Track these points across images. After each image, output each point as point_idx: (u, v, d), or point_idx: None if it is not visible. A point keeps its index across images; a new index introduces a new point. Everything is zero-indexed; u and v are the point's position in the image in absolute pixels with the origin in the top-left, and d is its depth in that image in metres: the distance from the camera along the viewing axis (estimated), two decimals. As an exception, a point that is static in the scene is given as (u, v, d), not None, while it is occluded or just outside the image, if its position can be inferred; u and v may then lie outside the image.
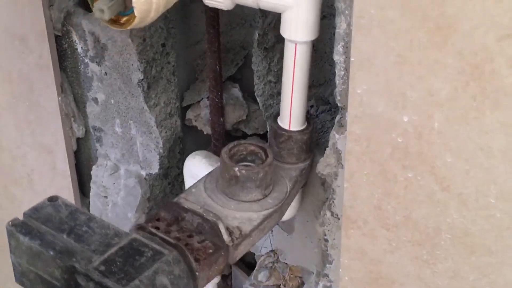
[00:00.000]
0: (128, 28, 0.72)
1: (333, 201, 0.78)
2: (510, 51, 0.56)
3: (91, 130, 1.00)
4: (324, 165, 0.77)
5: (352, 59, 0.66)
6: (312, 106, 0.88)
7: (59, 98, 0.96)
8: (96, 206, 1.04)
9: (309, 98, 0.90)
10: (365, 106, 0.67)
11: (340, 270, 0.78)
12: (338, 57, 0.70)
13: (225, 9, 0.75)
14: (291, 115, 0.79)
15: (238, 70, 0.96)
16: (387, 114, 0.65)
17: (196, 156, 0.91)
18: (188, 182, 0.91)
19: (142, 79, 0.88)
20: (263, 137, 0.97)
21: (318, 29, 0.74)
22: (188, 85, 0.97)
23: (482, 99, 0.59)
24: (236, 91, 0.95)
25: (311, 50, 0.76)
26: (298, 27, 0.73)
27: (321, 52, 0.87)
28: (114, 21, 0.72)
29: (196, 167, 0.89)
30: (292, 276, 0.94)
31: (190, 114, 0.96)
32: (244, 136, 0.99)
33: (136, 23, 0.70)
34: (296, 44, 0.74)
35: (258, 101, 0.89)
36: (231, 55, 0.95)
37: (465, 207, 0.64)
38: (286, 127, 0.80)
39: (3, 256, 1.22)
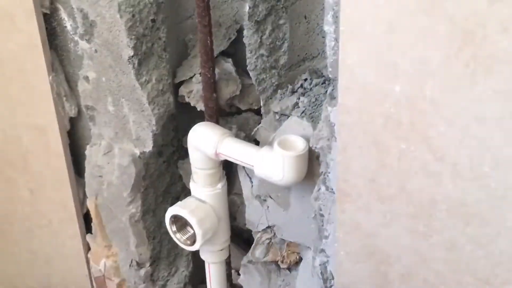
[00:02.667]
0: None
1: (327, 175, 0.77)
2: (502, 15, 0.54)
3: (84, 109, 0.98)
4: (317, 139, 0.76)
5: (341, 28, 0.64)
6: (306, 80, 0.87)
7: (50, 77, 0.94)
8: (91, 186, 1.03)
9: (303, 71, 0.89)
10: (356, 77, 0.65)
11: (336, 244, 0.77)
12: (328, 27, 0.69)
13: None
14: None
15: (231, 45, 0.94)
16: (378, 84, 0.64)
17: (196, 129, 0.89)
18: (193, 154, 0.89)
19: (132, 56, 0.87)
20: (258, 112, 0.95)
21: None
22: (180, 61, 0.95)
23: (475, 66, 0.58)
24: (229, 66, 0.93)
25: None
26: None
27: (314, 24, 0.86)
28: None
29: (197, 139, 0.88)
30: (289, 252, 0.93)
31: (182, 91, 0.94)
32: (239, 111, 0.97)
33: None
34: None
35: (251, 75, 0.87)
36: (223, 29, 0.93)
37: (459, 177, 0.63)
38: None
39: (3, 238, 1.21)
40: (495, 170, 0.61)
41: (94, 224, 1.07)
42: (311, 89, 0.87)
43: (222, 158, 0.87)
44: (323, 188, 0.78)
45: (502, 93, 0.57)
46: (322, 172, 0.78)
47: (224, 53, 0.95)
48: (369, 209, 0.71)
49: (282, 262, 0.95)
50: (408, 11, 0.59)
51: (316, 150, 0.77)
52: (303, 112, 0.84)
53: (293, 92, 0.86)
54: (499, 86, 0.57)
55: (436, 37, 0.58)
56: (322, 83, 0.87)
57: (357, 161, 0.70)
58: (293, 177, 0.80)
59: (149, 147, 0.94)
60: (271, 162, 0.79)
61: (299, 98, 0.85)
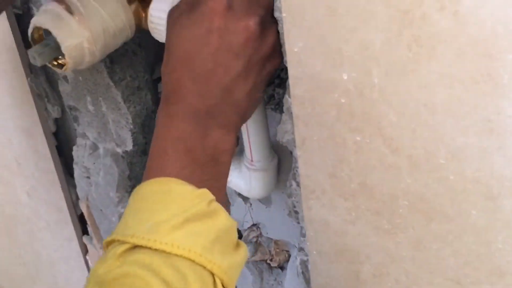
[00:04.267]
0: (67, 70, 0.72)
1: (296, 170, 0.72)
2: (439, -9, 0.49)
3: (67, 110, 0.97)
4: (282, 132, 0.71)
5: (283, 14, 0.60)
6: (282, 70, 0.83)
7: (28, 79, 0.93)
8: (81, 188, 1.02)
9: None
10: (303, 66, 0.61)
11: (308, 243, 0.73)
12: (278, 14, 0.64)
13: None
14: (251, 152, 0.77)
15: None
16: (326, 72, 0.59)
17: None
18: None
19: (103, 54, 0.84)
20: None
21: None
22: (159, 57, 0.92)
23: (417, 49, 0.52)
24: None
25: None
26: None
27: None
28: (55, 64, 0.72)
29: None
30: (278, 250, 0.90)
31: (161, 87, 0.91)
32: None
33: (71, 67, 0.71)
34: None
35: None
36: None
37: (416, 170, 0.58)
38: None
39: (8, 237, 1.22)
40: (451, 161, 0.55)
41: (89, 226, 1.06)
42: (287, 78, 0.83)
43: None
44: (294, 184, 0.74)
45: (448, 77, 0.52)
46: (292, 167, 0.73)
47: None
48: (334, 206, 0.67)
49: (271, 260, 0.91)
50: (345, -8, 0.54)
51: (284, 144, 0.72)
52: (277, 104, 0.80)
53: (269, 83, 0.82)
54: (444, 69, 0.52)
55: (376, 19, 0.53)
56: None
57: (317, 155, 0.65)
58: (259, 192, 0.78)
59: (129, 146, 0.91)
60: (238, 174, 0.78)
61: (274, 90, 0.81)
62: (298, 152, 0.67)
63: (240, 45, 0.61)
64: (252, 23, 0.61)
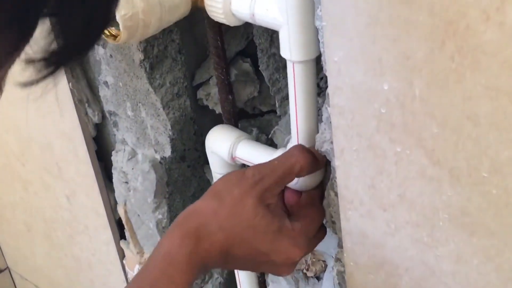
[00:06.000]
0: (120, 42, 0.71)
1: (335, 180, 0.72)
2: (485, 2, 0.48)
3: (107, 115, 0.97)
4: (321, 142, 0.71)
5: (323, 23, 0.59)
6: (322, 78, 0.82)
7: (70, 84, 0.94)
8: (120, 193, 1.02)
9: (317, 71, 0.84)
10: (344, 75, 0.60)
11: (345, 254, 0.72)
12: (318, 23, 0.64)
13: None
14: (298, 139, 0.74)
15: (250, 44, 0.91)
16: (366, 82, 0.59)
17: (212, 132, 0.86)
18: (211, 158, 0.86)
19: (144, 59, 0.85)
20: (280, 113, 0.91)
21: (316, 47, 0.68)
22: (199, 63, 0.92)
23: (460, 59, 0.51)
24: (247, 66, 0.89)
25: (313, 68, 0.70)
26: (292, 46, 0.68)
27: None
28: (108, 34, 0.72)
29: (214, 143, 0.85)
30: (314, 260, 0.89)
31: (200, 93, 0.91)
32: (261, 113, 0.93)
33: (124, 38, 0.71)
34: (293, 64, 0.69)
35: (263, 75, 0.83)
36: (241, 28, 0.89)
37: (458, 183, 0.57)
38: None
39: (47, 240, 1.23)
40: (494, 175, 0.54)
41: (126, 230, 1.06)
42: (327, 87, 0.82)
43: (239, 162, 0.83)
44: (332, 194, 0.73)
45: (492, 89, 0.50)
46: (331, 177, 0.73)
47: (243, 53, 0.91)
48: (373, 217, 0.66)
49: (307, 270, 0.90)
50: (388, 2, 0.53)
51: (323, 154, 0.72)
52: (318, 112, 0.79)
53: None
54: (488, 81, 0.50)
55: (418, 29, 0.52)
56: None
57: (356, 166, 0.64)
58: (306, 182, 0.75)
59: (168, 152, 0.92)
60: None
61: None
62: (336, 162, 0.66)
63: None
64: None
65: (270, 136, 0.86)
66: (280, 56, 0.82)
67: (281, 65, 0.82)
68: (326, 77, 0.82)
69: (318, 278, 0.91)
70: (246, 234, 0.63)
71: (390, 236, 0.66)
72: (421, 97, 0.55)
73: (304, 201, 0.73)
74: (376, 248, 0.68)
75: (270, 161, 0.71)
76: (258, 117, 0.94)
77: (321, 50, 0.64)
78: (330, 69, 0.61)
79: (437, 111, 0.55)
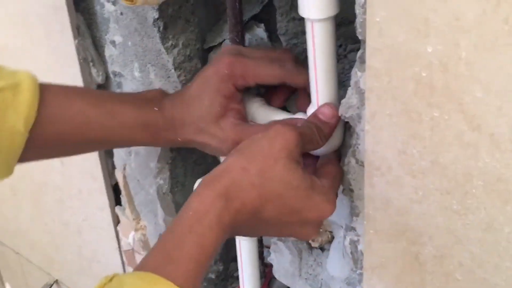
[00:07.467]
0: (137, 4, 0.70)
1: (357, 147, 0.71)
2: (548, -39, 0.47)
3: (111, 76, 0.95)
4: (346, 107, 0.70)
5: (367, -19, 0.58)
6: (340, 46, 0.81)
7: (76, 42, 0.91)
8: (119, 156, 1.00)
9: (337, 37, 0.83)
10: (384, 36, 0.59)
11: (365, 222, 0.71)
12: (358, -18, 0.63)
13: None
14: (318, 103, 0.73)
15: (265, 9, 0.89)
16: (408, 44, 0.58)
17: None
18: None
19: (158, 18, 0.82)
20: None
21: (336, 4, 0.66)
22: (210, 26, 0.90)
23: (515, 21, 0.51)
24: (261, 32, 0.88)
25: (333, 27, 0.68)
26: (310, 3, 0.66)
27: (350, -15, 0.79)
28: None
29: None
30: (321, 230, 0.88)
31: (212, 57, 0.89)
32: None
33: (141, 1, 0.70)
34: (312, 23, 0.68)
35: (281, 40, 0.82)
36: (256, -8, 0.88)
37: (498, 149, 0.56)
38: None
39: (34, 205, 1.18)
40: (538, 141, 0.54)
41: (123, 196, 1.04)
42: (345, 55, 0.81)
43: (252, 127, 0.82)
44: (353, 161, 0.72)
45: (546, 53, 0.50)
46: (352, 143, 0.72)
47: (257, 18, 0.90)
48: (400, 183, 0.65)
49: (313, 241, 0.89)
50: (441, -40, 0.52)
51: (346, 120, 0.71)
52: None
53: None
54: (543, 44, 0.50)
55: (472, -12, 0.51)
56: (357, 50, 0.81)
57: (387, 130, 0.63)
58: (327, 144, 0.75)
59: (175, 115, 0.89)
60: None
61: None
62: (366, 127, 0.65)
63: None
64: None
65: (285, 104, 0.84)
66: (300, 21, 0.81)
67: (300, 29, 0.80)
68: (345, 44, 0.81)
69: (322, 249, 0.91)
70: (279, 190, 0.61)
71: (417, 203, 0.65)
72: (467, 60, 0.55)
73: (323, 161, 0.72)
74: (400, 216, 0.67)
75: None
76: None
77: (358, 11, 0.63)
78: (370, 30, 0.60)
79: (483, 75, 0.54)
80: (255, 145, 0.63)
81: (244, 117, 0.76)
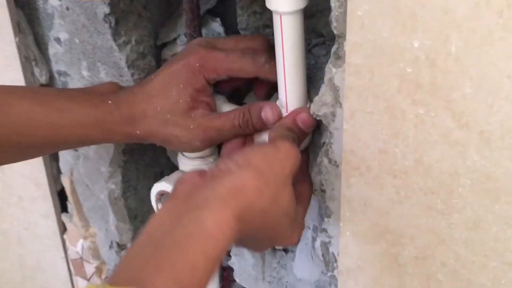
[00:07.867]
0: None
1: (330, 146, 0.68)
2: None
3: (56, 75, 0.89)
4: (319, 105, 0.67)
5: (350, -26, 0.55)
6: (322, 43, 0.78)
7: (17, 39, 0.85)
8: (65, 161, 0.94)
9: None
10: (367, 31, 0.56)
11: (341, 224, 0.68)
12: (337, -26, 0.60)
13: None
14: (287, 98, 0.69)
15: (220, 3, 0.85)
16: (393, 39, 0.55)
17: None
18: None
19: (109, 14, 0.77)
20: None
21: None
22: (163, 21, 0.86)
23: (509, 14, 0.49)
24: (217, 26, 0.84)
25: (302, 20, 0.65)
26: None
27: (312, -24, 0.76)
28: None
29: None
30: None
31: (166, 54, 0.85)
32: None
33: None
34: (281, 16, 0.64)
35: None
36: (210, -15, 0.84)
37: (487, 146, 0.54)
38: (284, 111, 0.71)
39: None
40: (531, 138, 0.52)
41: (70, 203, 0.98)
42: (309, 50, 0.78)
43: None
44: (325, 161, 0.69)
45: (543, 47, 0.48)
46: (324, 142, 0.69)
47: (211, 12, 0.85)
48: (380, 184, 0.63)
49: (276, 242, 0.86)
50: (431, -49, 0.50)
51: (318, 118, 0.68)
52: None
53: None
54: (540, 38, 0.48)
55: (465, -20, 0.49)
56: (322, 44, 0.78)
57: (367, 129, 0.61)
58: None
59: (128, 116, 0.84)
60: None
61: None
62: (344, 126, 0.62)
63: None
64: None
65: (244, 101, 0.81)
66: (261, 15, 0.77)
67: (261, 23, 0.77)
68: (309, 39, 0.78)
69: (286, 250, 0.88)
70: (279, 217, 0.60)
71: (398, 204, 0.63)
72: (457, 55, 0.52)
73: (297, 178, 0.68)
74: (380, 217, 0.65)
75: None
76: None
77: (334, 4, 0.60)
78: (351, 24, 0.57)
79: (473, 70, 0.52)
80: (269, 166, 0.59)
81: (213, 111, 0.73)
